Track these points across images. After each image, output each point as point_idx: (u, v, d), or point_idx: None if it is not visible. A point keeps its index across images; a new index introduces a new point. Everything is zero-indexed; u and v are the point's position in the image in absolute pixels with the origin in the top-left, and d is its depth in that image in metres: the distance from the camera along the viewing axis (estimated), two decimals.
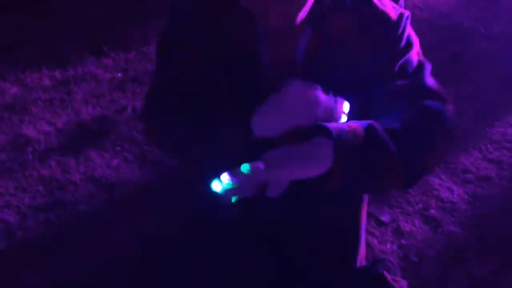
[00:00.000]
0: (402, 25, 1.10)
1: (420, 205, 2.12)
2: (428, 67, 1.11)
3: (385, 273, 1.63)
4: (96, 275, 1.77)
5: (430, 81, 1.10)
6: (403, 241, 1.97)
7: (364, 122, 0.99)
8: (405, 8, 2.36)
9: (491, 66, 3.04)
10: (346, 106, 1.02)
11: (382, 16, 1.09)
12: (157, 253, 1.61)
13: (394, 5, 1.13)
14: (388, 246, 1.94)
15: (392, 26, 1.09)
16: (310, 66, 1.08)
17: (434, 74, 1.14)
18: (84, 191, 2.10)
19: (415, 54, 1.12)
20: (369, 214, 2.07)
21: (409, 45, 1.11)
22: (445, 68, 3.06)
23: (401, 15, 1.11)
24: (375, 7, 1.08)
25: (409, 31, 1.12)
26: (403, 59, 1.09)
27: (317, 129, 0.96)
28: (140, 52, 3.08)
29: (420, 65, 1.11)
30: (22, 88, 2.68)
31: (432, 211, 2.10)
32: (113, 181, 2.16)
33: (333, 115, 0.99)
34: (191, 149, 1.05)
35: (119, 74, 2.86)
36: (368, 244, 1.94)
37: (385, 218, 2.06)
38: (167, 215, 2.00)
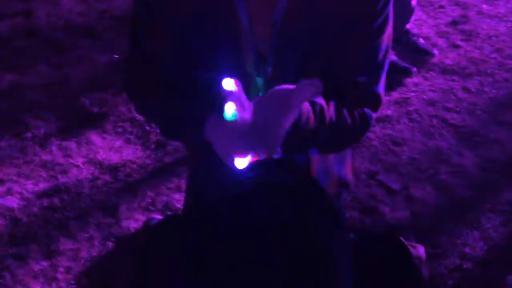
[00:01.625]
0: (383, 3, 1.04)
1: (431, 171, 2.08)
2: (387, 61, 1.10)
3: (402, 238, 1.60)
4: (102, 259, 1.74)
5: (381, 88, 1.10)
6: (415, 208, 1.93)
7: (318, 107, 0.98)
8: None
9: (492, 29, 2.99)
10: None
11: None
12: (162, 234, 1.57)
13: None
14: (400, 214, 1.90)
15: (372, 1, 1.03)
16: (288, 28, 1.03)
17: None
18: (88, 174, 2.06)
19: (385, 39, 1.07)
20: (379, 183, 2.03)
21: (385, 24, 1.06)
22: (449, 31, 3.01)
23: None
24: None
25: (390, 7, 1.07)
26: (373, 44, 1.05)
27: None
28: None
29: (383, 58, 1.08)
30: (18, 75, 2.63)
31: (443, 176, 2.06)
32: (116, 162, 2.12)
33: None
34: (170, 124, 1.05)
35: (116, 56, 2.80)
36: (379, 213, 1.90)
37: (395, 185, 2.01)
38: (172, 196, 1.97)
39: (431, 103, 2.44)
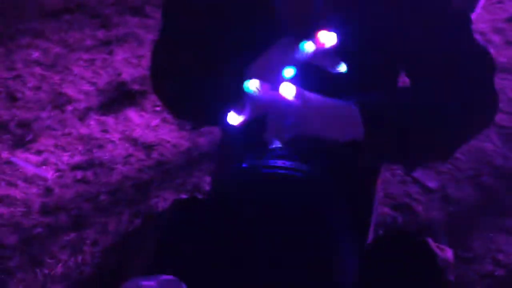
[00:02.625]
0: None
1: (471, 172, 2.00)
2: None
3: (429, 240, 1.54)
4: (129, 235, 1.75)
5: None
6: (451, 209, 1.85)
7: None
8: None
9: None
10: None
11: None
12: (190, 216, 1.56)
13: None
14: (435, 214, 1.83)
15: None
16: (328, 19, 0.96)
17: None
18: (122, 150, 2.08)
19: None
20: (415, 180, 1.96)
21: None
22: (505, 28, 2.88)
23: None
24: None
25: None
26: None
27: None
28: None
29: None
30: (65, 48, 2.67)
31: (484, 178, 1.97)
32: (151, 141, 2.13)
33: None
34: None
35: None
36: (412, 211, 1.84)
37: (432, 184, 1.94)
38: (203, 178, 1.96)
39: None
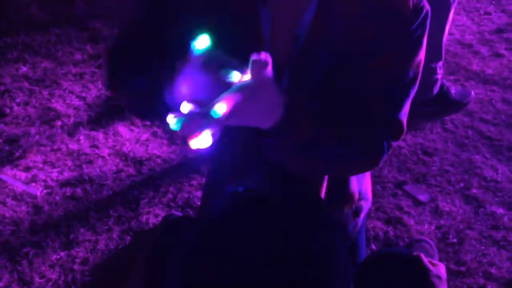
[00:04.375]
0: (418, 21, 0.97)
1: (461, 184, 2.00)
2: (414, 89, 1.01)
3: (422, 255, 1.54)
4: (119, 252, 1.74)
5: (403, 115, 1.02)
6: (442, 222, 1.86)
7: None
8: None
9: None
10: None
11: (397, 4, 0.95)
12: (181, 231, 1.56)
13: None
14: (426, 227, 1.84)
15: (407, 18, 0.95)
16: (311, 43, 0.97)
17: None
18: (112, 166, 2.06)
19: (415, 64, 0.99)
20: (406, 194, 1.96)
21: (416, 48, 0.98)
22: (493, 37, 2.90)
23: (420, 9, 0.96)
24: None
25: (424, 31, 0.99)
26: (401, 67, 0.97)
27: None
28: None
29: (410, 84, 1.00)
30: (53, 62, 2.65)
31: (474, 190, 1.98)
32: (141, 156, 2.11)
33: None
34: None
35: None
36: (404, 224, 1.84)
37: (423, 197, 1.95)
38: (193, 193, 1.95)
39: (468, 113, 2.35)
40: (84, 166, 2.06)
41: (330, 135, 0.94)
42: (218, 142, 0.78)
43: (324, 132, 0.93)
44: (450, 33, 2.65)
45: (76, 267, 1.69)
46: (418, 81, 1.02)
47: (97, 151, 2.13)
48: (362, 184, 1.32)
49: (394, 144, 1.02)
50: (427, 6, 0.97)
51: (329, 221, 1.05)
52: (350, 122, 0.97)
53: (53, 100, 2.39)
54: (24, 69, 2.59)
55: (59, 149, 2.13)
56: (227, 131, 0.79)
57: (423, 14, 0.96)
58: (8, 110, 2.31)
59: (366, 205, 1.38)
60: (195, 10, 0.98)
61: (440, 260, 1.70)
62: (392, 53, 0.97)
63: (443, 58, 2.28)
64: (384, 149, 1.00)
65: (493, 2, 3.25)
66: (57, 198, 1.92)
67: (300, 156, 0.94)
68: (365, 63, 0.96)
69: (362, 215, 1.37)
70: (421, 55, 1.00)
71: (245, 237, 0.98)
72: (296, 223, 0.99)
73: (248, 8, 0.98)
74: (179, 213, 1.86)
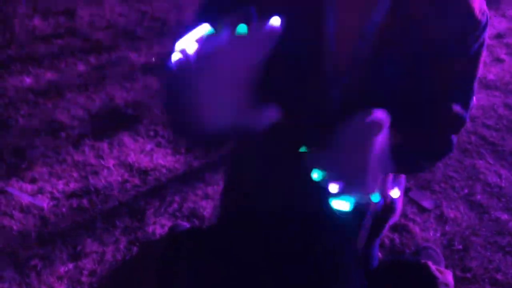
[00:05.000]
0: (482, 28, 0.98)
1: (465, 190, 2.01)
2: (473, 92, 1.03)
3: (429, 263, 1.55)
4: (127, 263, 1.74)
5: (468, 114, 1.04)
6: (447, 228, 1.87)
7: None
8: None
9: None
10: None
11: (467, 8, 0.95)
12: (188, 243, 1.56)
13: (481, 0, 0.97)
14: (431, 234, 1.84)
15: (473, 24, 0.97)
16: (378, 47, 0.95)
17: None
18: (118, 177, 2.07)
19: (481, 64, 1.01)
20: (411, 201, 1.97)
21: (481, 48, 1.00)
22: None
23: (484, 12, 0.96)
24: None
25: (485, 34, 1.00)
26: (469, 69, 0.99)
27: None
28: (174, 35, 3.04)
29: (475, 83, 1.02)
30: (57, 74, 2.67)
31: (478, 196, 1.99)
32: (146, 166, 2.13)
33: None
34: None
35: (153, 59, 2.82)
36: (409, 232, 1.85)
37: (427, 204, 1.96)
38: (199, 203, 1.96)
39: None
40: (89, 177, 2.07)
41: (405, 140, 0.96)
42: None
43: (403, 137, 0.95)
44: None
45: (84, 278, 1.70)
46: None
47: (102, 161, 2.14)
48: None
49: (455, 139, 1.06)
50: (488, 14, 0.99)
51: (334, 226, 1.05)
52: (420, 125, 0.99)
53: (57, 112, 2.40)
54: (28, 81, 2.60)
55: (64, 161, 2.14)
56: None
57: (487, 18, 0.98)
58: (13, 122, 2.32)
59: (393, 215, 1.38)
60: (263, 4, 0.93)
61: (446, 267, 1.71)
62: (461, 57, 0.98)
63: None
64: (452, 147, 1.04)
65: (493, 7, 3.27)
66: (63, 209, 1.93)
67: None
68: (434, 68, 0.97)
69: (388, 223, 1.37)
70: (484, 53, 1.02)
71: (250, 247, 0.98)
72: (301, 231, 1.00)
73: (314, 3, 0.95)
74: (185, 223, 1.87)
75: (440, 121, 1.01)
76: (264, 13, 0.87)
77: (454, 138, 1.04)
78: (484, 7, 0.96)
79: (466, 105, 1.02)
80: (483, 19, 0.96)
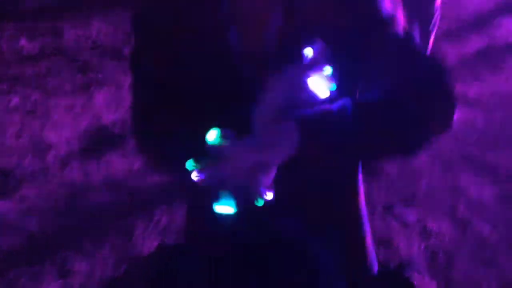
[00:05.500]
0: None
1: (448, 205, 2.06)
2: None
3: (413, 276, 1.58)
4: (115, 280, 1.75)
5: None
6: (431, 242, 1.90)
7: (338, 104, 0.93)
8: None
9: None
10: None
11: None
12: (174, 262, 1.58)
13: None
14: (415, 248, 1.88)
15: None
16: (285, 50, 1.01)
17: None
18: (106, 195, 2.09)
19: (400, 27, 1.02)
20: (395, 216, 2.01)
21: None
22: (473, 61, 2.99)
23: None
24: None
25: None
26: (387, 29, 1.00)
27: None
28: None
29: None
30: (44, 94, 2.69)
31: (461, 210, 2.03)
32: (134, 184, 2.14)
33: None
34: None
35: None
36: (394, 246, 1.88)
37: (411, 218, 2.00)
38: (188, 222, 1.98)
39: (453, 135, 2.42)
40: (77, 196, 2.08)
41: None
42: None
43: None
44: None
45: None
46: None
47: (90, 181, 2.16)
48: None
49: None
50: None
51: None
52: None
53: (45, 132, 2.42)
54: (15, 101, 2.62)
55: (52, 180, 2.15)
56: None
57: None
58: (0, 142, 2.33)
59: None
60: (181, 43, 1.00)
61: (430, 280, 1.74)
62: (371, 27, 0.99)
63: None
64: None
65: (473, 26, 3.35)
66: (51, 228, 1.94)
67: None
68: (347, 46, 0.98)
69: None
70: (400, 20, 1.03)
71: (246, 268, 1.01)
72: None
73: (216, 29, 1.00)
74: (171, 241, 1.89)
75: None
76: (179, 56, 0.94)
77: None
78: None
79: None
80: None
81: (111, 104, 2.64)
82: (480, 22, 3.42)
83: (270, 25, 0.98)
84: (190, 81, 1.00)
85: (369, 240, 1.28)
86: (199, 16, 0.99)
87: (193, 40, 1.00)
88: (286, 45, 0.98)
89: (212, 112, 0.95)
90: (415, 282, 1.48)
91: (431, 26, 2.22)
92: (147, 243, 1.88)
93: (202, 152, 0.85)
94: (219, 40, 1.00)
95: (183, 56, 1.00)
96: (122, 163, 2.25)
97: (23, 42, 3.12)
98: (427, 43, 2.28)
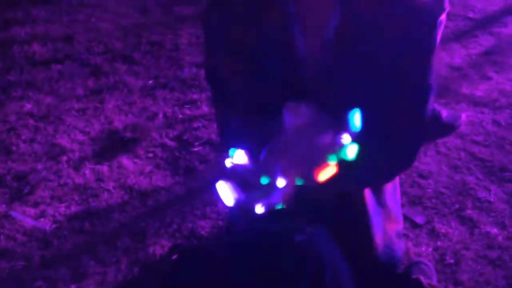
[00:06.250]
0: (435, 29, 1.07)
1: (456, 206, 2.08)
2: (433, 88, 1.13)
3: (421, 277, 1.60)
4: (128, 283, 1.79)
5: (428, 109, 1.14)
6: (439, 243, 1.92)
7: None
8: None
9: None
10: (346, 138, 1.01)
11: (416, 10, 1.04)
12: (187, 262, 1.62)
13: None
14: (423, 249, 1.90)
15: (424, 25, 1.05)
16: (339, 51, 1.07)
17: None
18: (118, 199, 2.13)
19: (429, 69, 1.11)
20: (404, 217, 2.03)
21: (430, 52, 1.09)
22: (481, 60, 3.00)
23: (435, 17, 1.06)
24: None
25: (438, 36, 1.09)
26: (424, 64, 1.08)
27: None
28: (170, 58, 3.12)
29: (427, 84, 1.12)
30: (56, 98, 2.74)
31: (469, 211, 2.05)
32: (146, 188, 2.18)
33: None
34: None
35: (150, 81, 2.90)
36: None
37: (419, 219, 2.02)
38: (197, 223, 2.01)
39: (460, 135, 2.43)
40: (90, 199, 2.12)
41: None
42: None
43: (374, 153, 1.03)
44: (439, 57, 2.74)
45: None
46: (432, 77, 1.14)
47: (102, 184, 2.20)
48: (394, 205, 1.41)
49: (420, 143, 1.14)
50: (442, 13, 1.06)
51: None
52: (385, 120, 1.07)
53: (57, 136, 2.46)
54: (28, 106, 2.67)
55: (65, 184, 2.20)
56: None
57: (438, 22, 1.05)
58: (14, 148, 2.38)
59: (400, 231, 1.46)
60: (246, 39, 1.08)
61: (439, 281, 1.76)
62: (413, 51, 1.06)
63: None
64: (416, 152, 1.13)
65: (480, 25, 3.36)
66: (65, 232, 1.98)
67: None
68: (392, 64, 1.06)
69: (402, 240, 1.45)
70: (436, 46, 1.11)
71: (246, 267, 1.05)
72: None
73: (280, 25, 1.06)
74: (184, 243, 1.92)
75: (399, 116, 1.11)
76: (239, 51, 1.02)
77: (419, 145, 1.14)
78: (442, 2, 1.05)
79: (423, 101, 1.12)
80: (435, 20, 1.04)
81: (123, 108, 2.68)
82: (488, 21, 3.42)
83: (328, 26, 1.04)
84: (256, 79, 1.07)
85: (378, 240, 1.32)
86: (265, 20, 1.06)
87: (260, 43, 1.06)
88: (341, 47, 1.04)
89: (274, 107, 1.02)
90: (423, 284, 1.50)
91: None
92: (159, 245, 1.91)
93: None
94: (283, 40, 1.06)
95: (252, 58, 1.07)
96: (134, 167, 2.29)
97: (35, 47, 3.18)
98: None
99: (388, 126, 1.09)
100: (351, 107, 1.02)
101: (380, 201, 1.33)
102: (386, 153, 1.10)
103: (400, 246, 1.45)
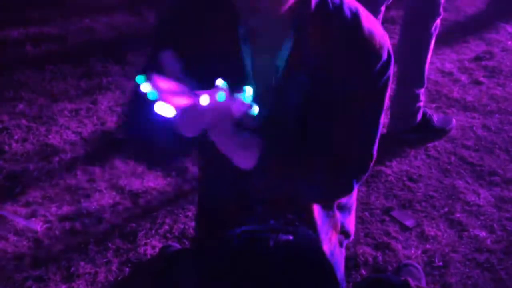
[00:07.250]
0: (384, 64, 1.04)
1: (445, 209, 2.10)
2: (379, 128, 1.11)
3: (410, 280, 1.62)
4: (119, 284, 1.80)
5: (374, 149, 1.11)
6: (428, 246, 1.94)
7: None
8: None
9: None
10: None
11: (367, 50, 1.02)
12: (178, 263, 1.63)
13: (383, 39, 1.04)
14: (413, 251, 1.92)
15: (373, 58, 1.03)
16: (289, 74, 1.06)
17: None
18: (109, 199, 2.13)
19: (386, 99, 1.09)
20: (393, 219, 2.05)
21: (386, 85, 1.06)
22: (471, 65, 3.03)
23: (387, 54, 1.04)
24: (362, 35, 1.01)
25: (389, 73, 1.06)
26: (373, 105, 1.07)
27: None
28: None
29: (381, 119, 1.10)
30: (49, 99, 2.74)
31: (458, 214, 2.07)
32: (137, 188, 2.19)
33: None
34: None
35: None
36: (392, 249, 1.92)
37: (409, 222, 2.03)
38: (189, 224, 2.02)
39: (450, 140, 2.46)
40: (82, 200, 2.13)
41: (303, 175, 1.04)
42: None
43: (297, 173, 1.03)
44: (430, 62, 2.77)
45: None
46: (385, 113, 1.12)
47: (94, 185, 2.20)
48: (345, 218, 1.41)
49: (364, 176, 1.13)
50: (390, 52, 1.06)
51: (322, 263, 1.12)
52: (323, 160, 1.07)
53: (50, 136, 2.46)
54: (21, 106, 2.67)
55: (57, 184, 2.20)
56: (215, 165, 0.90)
57: (389, 55, 1.05)
58: (7, 147, 2.38)
59: (345, 241, 1.46)
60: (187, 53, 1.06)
61: (427, 283, 1.78)
62: (361, 92, 1.05)
63: (425, 85, 2.40)
64: (353, 186, 1.10)
65: (471, 30, 3.39)
66: (56, 232, 1.98)
67: (282, 188, 1.05)
68: (339, 98, 1.05)
69: (344, 247, 1.44)
70: (389, 90, 1.09)
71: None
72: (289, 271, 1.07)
73: (231, 46, 1.07)
74: (175, 244, 1.93)
75: (340, 156, 1.08)
76: (185, 57, 1.00)
77: (353, 179, 1.11)
78: (386, 44, 1.04)
79: (371, 140, 1.10)
80: (384, 56, 1.03)
81: (115, 109, 2.68)
82: (479, 27, 3.45)
83: (280, 53, 1.04)
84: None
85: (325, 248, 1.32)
86: (217, 32, 1.06)
87: (210, 56, 1.06)
88: (291, 74, 1.04)
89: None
90: (411, 286, 1.52)
91: None
92: (150, 246, 1.92)
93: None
94: (232, 59, 1.06)
95: (199, 62, 1.06)
96: (126, 167, 2.30)
97: (28, 48, 3.18)
98: (429, 46, 2.32)
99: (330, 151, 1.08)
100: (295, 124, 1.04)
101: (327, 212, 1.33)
102: (321, 169, 1.08)
103: (341, 252, 1.45)
